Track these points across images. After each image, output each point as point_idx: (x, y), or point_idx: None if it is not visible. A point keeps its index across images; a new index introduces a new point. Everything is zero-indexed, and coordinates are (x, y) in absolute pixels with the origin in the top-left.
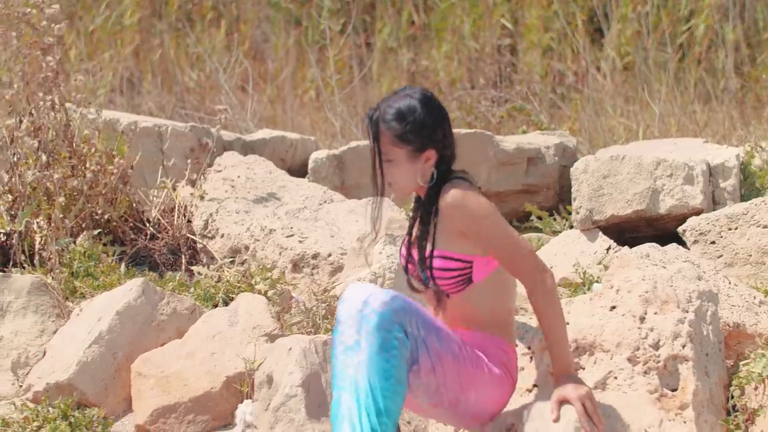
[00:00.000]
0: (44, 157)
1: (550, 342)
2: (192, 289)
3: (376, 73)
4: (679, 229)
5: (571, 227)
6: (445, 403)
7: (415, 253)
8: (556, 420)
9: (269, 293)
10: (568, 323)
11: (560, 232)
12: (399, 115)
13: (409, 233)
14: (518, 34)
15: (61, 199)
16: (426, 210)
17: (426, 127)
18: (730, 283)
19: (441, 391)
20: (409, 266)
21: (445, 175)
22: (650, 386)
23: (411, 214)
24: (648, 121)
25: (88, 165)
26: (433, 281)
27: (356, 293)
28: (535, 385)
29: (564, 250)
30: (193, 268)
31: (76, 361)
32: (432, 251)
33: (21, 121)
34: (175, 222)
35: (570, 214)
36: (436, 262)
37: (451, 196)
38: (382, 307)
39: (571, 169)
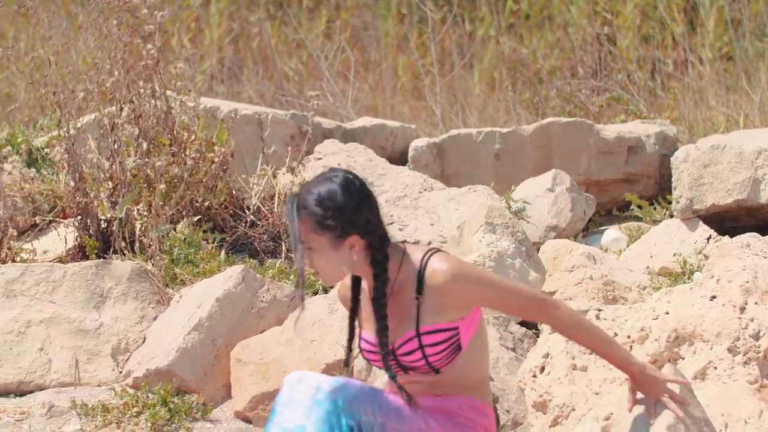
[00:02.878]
0: (145, 145)
1: (606, 356)
2: (292, 277)
3: (476, 62)
4: None
5: (672, 216)
6: None
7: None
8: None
9: None
10: (668, 312)
11: (660, 221)
12: (318, 201)
13: (353, 318)
14: (617, 23)
15: (162, 186)
16: (379, 301)
17: (346, 212)
18: None
19: None
20: (372, 357)
21: (383, 259)
22: (750, 377)
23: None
24: (748, 110)
25: (188, 152)
26: (426, 361)
27: (306, 379)
28: None
29: (664, 240)
30: (293, 255)
31: (176, 347)
32: (417, 333)
33: (122, 109)
34: (275, 209)
35: (670, 203)
36: (426, 340)
37: (445, 272)
38: (335, 394)
39: (672, 159)
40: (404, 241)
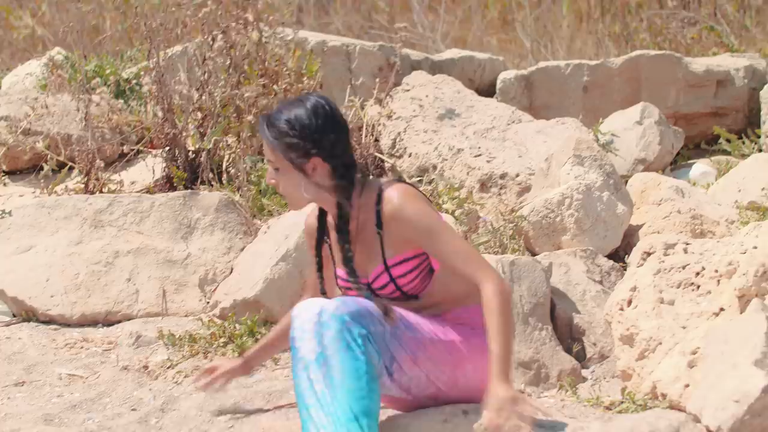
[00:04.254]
0: (236, 76)
1: (492, 352)
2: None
3: None
4: None
5: (760, 151)
6: (444, 389)
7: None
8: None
9: (456, 213)
10: (756, 247)
11: (749, 155)
12: (285, 120)
13: (319, 248)
14: None
15: (251, 117)
16: (342, 228)
17: (309, 132)
18: None
19: (432, 379)
20: (351, 292)
21: (347, 186)
22: None
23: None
24: None
25: (279, 84)
26: (401, 291)
27: (307, 307)
28: (721, 309)
29: (752, 174)
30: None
31: (263, 278)
32: (386, 266)
33: (213, 40)
34: (363, 141)
35: (759, 137)
36: (395, 271)
37: (390, 204)
38: (339, 311)
39: (761, 93)
40: (383, 176)
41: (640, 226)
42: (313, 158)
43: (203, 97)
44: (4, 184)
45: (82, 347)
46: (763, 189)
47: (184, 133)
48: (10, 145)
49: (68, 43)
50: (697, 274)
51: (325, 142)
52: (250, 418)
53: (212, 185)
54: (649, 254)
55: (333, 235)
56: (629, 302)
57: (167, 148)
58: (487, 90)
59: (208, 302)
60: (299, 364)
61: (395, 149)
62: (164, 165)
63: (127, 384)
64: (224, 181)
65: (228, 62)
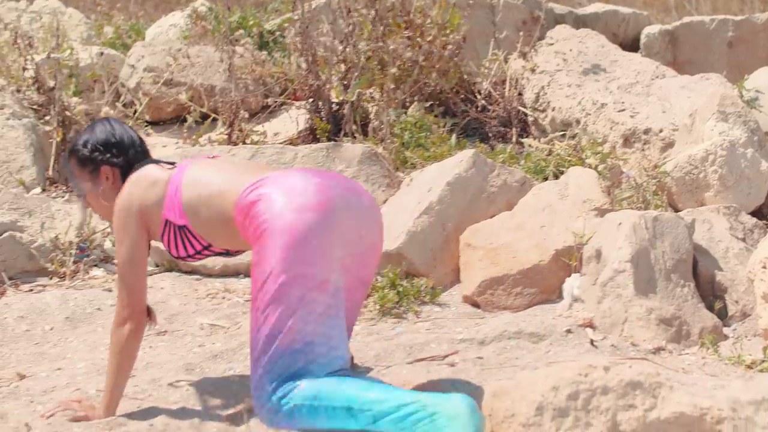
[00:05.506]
0: (380, 28)
1: (107, 383)
2: (522, 162)
3: None
4: None
5: None
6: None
7: None
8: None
9: (599, 168)
10: None
11: None
12: (72, 146)
13: None
14: None
15: (394, 69)
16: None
17: (91, 148)
18: None
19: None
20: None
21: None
22: None
23: None
24: None
25: (423, 36)
26: (193, 257)
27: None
28: None
29: None
30: (523, 140)
31: (406, 230)
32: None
33: None
34: (506, 94)
35: None
36: (165, 245)
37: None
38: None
39: None
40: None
41: None
42: (103, 167)
43: (347, 49)
44: (148, 135)
45: (224, 298)
46: None
47: (327, 85)
48: (153, 96)
49: None
50: None
51: (106, 153)
52: (390, 370)
53: (355, 137)
54: None
55: None
56: None
57: (310, 99)
58: (630, 45)
59: None
60: None
61: (538, 103)
62: (307, 117)
63: None
64: (368, 134)
65: (372, 14)
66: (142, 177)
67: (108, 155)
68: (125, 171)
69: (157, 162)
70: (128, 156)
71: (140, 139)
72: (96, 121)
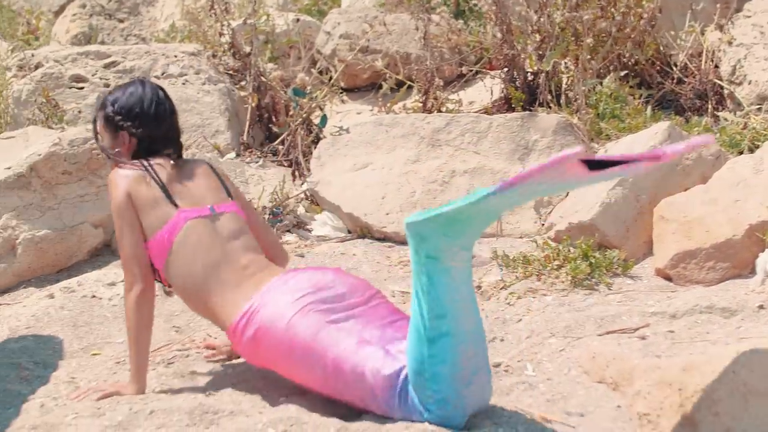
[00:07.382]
0: None
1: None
2: (717, 135)
3: None
4: None
5: None
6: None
7: None
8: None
9: None
10: None
11: None
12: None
13: None
14: None
15: (589, 40)
16: None
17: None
18: None
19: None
20: None
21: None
22: None
23: None
24: None
25: (617, 6)
26: None
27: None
28: None
29: None
30: (719, 113)
31: (599, 202)
32: None
33: None
34: (702, 67)
35: None
36: None
37: None
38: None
39: None
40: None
41: None
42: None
43: (542, 19)
44: (342, 101)
45: None
46: None
47: (522, 55)
48: (349, 63)
49: None
50: None
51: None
52: (580, 342)
53: (550, 107)
54: None
55: None
56: None
57: (506, 69)
58: None
59: (542, 224)
60: None
61: (735, 76)
62: (503, 86)
63: None
64: (562, 104)
65: None
66: (150, 196)
67: (128, 123)
68: (146, 145)
69: (168, 155)
70: (149, 130)
71: (172, 111)
72: (135, 80)
